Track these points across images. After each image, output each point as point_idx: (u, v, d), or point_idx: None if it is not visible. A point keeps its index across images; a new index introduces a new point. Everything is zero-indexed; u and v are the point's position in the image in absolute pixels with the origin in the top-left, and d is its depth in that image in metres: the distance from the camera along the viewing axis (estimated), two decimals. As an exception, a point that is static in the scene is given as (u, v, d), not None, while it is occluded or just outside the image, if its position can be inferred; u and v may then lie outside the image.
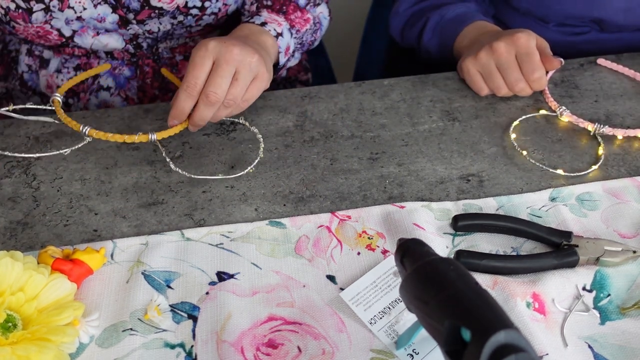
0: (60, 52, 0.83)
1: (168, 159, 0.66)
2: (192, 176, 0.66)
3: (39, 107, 0.70)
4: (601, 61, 0.82)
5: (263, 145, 0.70)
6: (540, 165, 0.68)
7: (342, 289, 0.57)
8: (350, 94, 0.79)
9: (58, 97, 0.69)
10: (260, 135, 0.71)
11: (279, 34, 0.76)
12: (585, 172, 0.68)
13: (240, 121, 0.73)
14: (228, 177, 0.66)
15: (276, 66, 0.79)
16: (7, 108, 0.69)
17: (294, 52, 0.82)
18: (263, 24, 0.76)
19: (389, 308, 0.55)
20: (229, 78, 0.65)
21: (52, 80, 0.86)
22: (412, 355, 0.52)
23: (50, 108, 0.69)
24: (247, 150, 0.72)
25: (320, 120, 0.75)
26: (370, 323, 0.54)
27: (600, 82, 0.80)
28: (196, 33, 0.85)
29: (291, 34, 0.80)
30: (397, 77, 0.81)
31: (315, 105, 0.78)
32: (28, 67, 0.87)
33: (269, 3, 0.81)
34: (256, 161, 0.68)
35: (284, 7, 0.81)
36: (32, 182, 0.68)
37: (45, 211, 0.65)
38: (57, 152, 0.65)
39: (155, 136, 0.66)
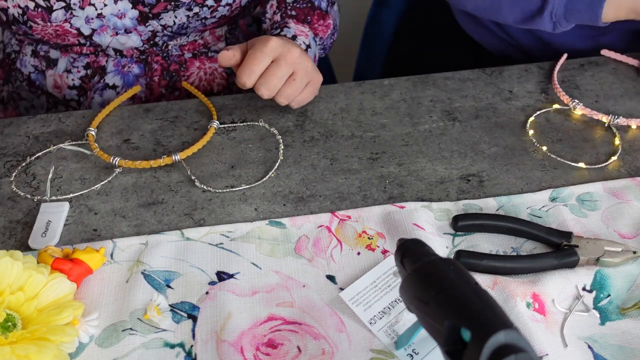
0: (68, 51, 0.83)
1: (193, 177, 0.67)
2: (217, 191, 0.66)
3: (76, 146, 0.71)
4: (604, 52, 0.82)
5: (283, 147, 0.71)
6: (562, 160, 0.68)
7: (342, 289, 0.57)
8: (350, 94, 0.79)
9: (92, 132, 0.72)
10: (280, 136, 0.71)
11: (308, 46, 0.78)
12: (605, 163, 0.68)
13: (260, 124, 0.73)
14: (251, 186, 0.67)
15: None
16: (49, 149, 0.71)
17: (318, 58, 0.84)
18: (293, 37, 0.78)
19: (389, 308, 0.55)
20: (283, 78, 0.69)
21: (62, 81, 0.85)
22: (411, 356, 0.52)
23: (85, 143, 0.72)
24: (247, 150, 0.71)
25: (320, 120, 0.75)
26: (370, 323, 0.54)
27: (601, 82, 0.80)
28: (210, 26, 0.85)
29: (315, 42, 0.82)
30: (397, 77, 0.81)
31: (315, 105, 0.78)
32: (34, 68, 0.87)
33: (294, 13, 0.82)
34: (277, 164, 0.69)
35: (309, 17, 0.82)
36: (32, 181, 0.68)
37: (45, 211, 0.65)
38: (89, 189, 0.66)
39: (178, 156, 0.68)
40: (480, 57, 0.91)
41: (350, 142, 0.72)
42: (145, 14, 0.77)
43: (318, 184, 0.67)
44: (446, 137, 0.73)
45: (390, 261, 0.59)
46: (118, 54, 0.83)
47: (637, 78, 0.80)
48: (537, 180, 0.67)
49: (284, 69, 0.68)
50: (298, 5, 0.82)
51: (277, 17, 0.83)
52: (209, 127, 0.72)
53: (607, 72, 0.81)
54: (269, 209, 0.64)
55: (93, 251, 0.57)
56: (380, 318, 0.54)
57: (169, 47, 0.85)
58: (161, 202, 0.65)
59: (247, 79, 0.67)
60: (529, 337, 0.52)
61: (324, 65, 1.15)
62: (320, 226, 0.62)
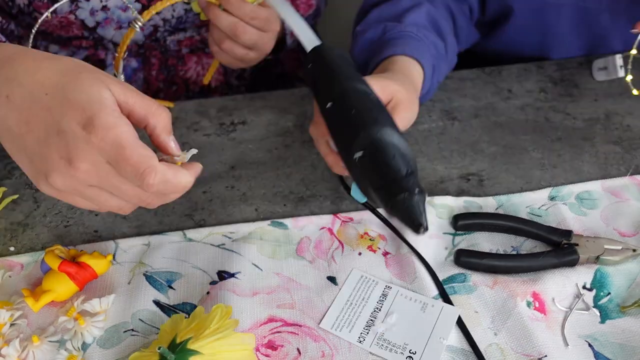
0: (67, 45, 0.83)
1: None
2: None
3: None
4: None
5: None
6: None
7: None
8: (350, 93, 0.79)
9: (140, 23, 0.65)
10: None
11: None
12: None
13: None
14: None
15: (284, 44, 0.82)
16: None
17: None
18: None
19: (372, 320, 0.54)
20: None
21: None
22: (411, 357, 0.52)
23: None
24: (247, 150, 0.72)
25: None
26: (360, 341, 0.52)
27: (600, 81, 0.80)
28: (205, 21, 0.85)
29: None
30: (397, 77, 0.81)
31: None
32: None
33: None
34: None
35: None
36: (33, 182, 0.68)
37: (46, 212, 0.65)
38: None
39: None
40: (480, 57, 0.91)
41: (350, 142, 0.72)
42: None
43: (318, 184, 0.67)
44: (446, 137, 0.73)
45: (354, 275, 0.57)
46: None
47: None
48: (536, 179, 0.67)
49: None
50: None
51: None
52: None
53: (606, 70, 0.82)
54: (269, 209, 0.65)
55: (100, 257, 0.57)
56: (367, 333, 0.53)
57: (167, 42, 0.85)
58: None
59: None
60: (530, 336, 0.52)
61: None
62: (322, 228, 0.62)
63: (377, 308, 0.55)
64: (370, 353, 0.51)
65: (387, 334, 0.53)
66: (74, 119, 0.42)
